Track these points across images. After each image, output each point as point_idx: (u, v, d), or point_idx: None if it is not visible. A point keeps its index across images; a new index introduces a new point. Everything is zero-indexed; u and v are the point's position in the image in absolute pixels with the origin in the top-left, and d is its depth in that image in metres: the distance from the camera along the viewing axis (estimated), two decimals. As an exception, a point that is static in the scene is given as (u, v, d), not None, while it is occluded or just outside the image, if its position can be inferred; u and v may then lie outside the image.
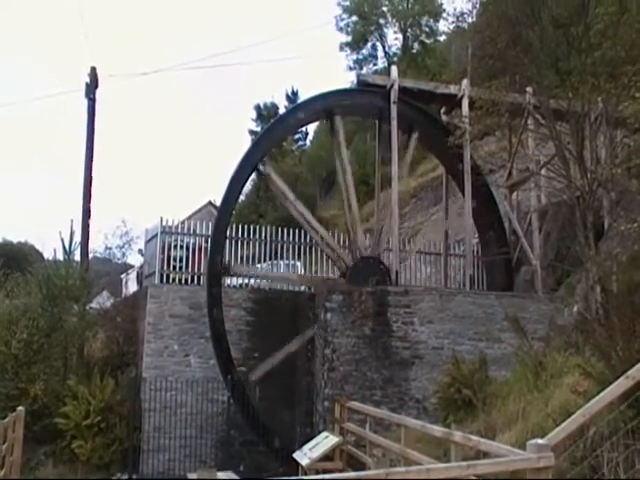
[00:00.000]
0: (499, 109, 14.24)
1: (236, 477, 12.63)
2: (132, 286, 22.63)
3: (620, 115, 12.68)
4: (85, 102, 18.89)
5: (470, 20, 15.43)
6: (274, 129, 17.37)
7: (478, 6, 15.22)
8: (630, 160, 12.52)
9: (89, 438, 14.75)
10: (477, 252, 18.78)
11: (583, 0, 12.35)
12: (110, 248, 24.71)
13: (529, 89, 15.32)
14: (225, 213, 16.33)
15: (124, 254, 25.17)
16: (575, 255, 13.85)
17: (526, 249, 17.11)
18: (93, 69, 19.11)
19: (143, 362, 16.02)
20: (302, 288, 17.89)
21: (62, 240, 18.24)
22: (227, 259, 17.00)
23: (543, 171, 16.07)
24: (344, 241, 17.86)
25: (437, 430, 8.44)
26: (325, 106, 16.88)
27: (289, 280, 17.62)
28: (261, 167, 16.46)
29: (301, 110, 17.63)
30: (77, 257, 18.47)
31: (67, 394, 15.14)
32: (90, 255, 19.53)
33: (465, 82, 16.93)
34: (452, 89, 17.33)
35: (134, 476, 14.89)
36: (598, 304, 10.79)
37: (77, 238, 18.33)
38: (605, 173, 12.49)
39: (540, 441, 5.15)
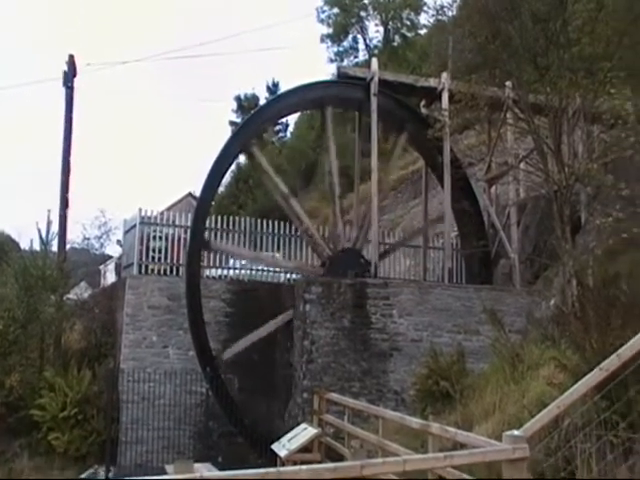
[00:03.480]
0: (478, 103, 14.29)
1: (214, 468, 12.61)
2: (110, 277, 22.51)
3: (597, 110, 12.79)
4: (63, 91, 18.71)
5: (450, 14, 15.49)
6: (254, 120, 17.29)
7: (458, 0, 15.28)
8: (606, 155, 12.65)
9: (66, 430, 14.67)
10: (456, 245, 18.88)
11: (562, -4, 12.43)
12: (88, 239, 24.46)
13: (508, 83, 15.39)
14: (204, 204, 16.26)
15: (102, 245, 24.93)
16: (552, 249, 13.99)
17: (504, 242, 17.24)
18: (71, 57, 18.89)
19: (121, 353, 15.93)
20: (282, 279, 17.93)
21: (39, 230, 18.12)
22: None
23: (522, 165, 16.18)
24: (323, 233, 17.89)
25: (415, 422, 8.51)
26: (306, 97, 16.88)
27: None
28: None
29: (281, 101, 17.61)
30: (54, 248, 18.32)
31: (43, 386, 15.04)
32: (68, 246, 19.39)
33: (445, 75, 16.97)
34: (432, 82, 17.36)
35: (111, 468, 14.82)
36: (574, 297, 10.91)
37: (54, 228, 18.18)
38: (582, 168, 12.61)
39: (516, 432, 5.20)
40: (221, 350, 16.04)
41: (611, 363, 5.45)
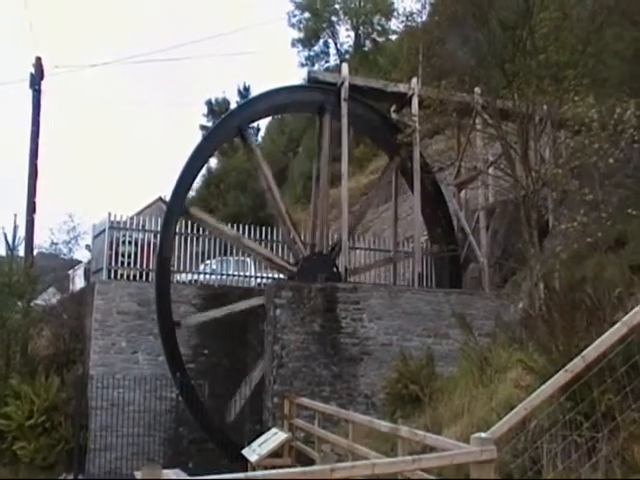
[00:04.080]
0: (447, 108, 14.45)
1: (184, 474, 12.54)
2: (79, 282, 22.22)
3: (563, 117, 13.01)
4: (30, 93, 18.50)
5: (420, 20, 15.65)
6: (225, 124, 17.26)
7: (428, 7, 15.45)
8: (572, 161, 12.87)
9: (32, 439, 14.44)
10: (426, 249, 19.01)
11: (528, 4, 12.63)
12: (56, 243, 24.17)
13: (477, 89, 15.58)
14: (174, 208, 16.17)
15: (71, 250, 24.65)
16: (521, 253, 14.17)
17: (474, 246, 17.43)
18: (38, 59, 18.69)
19: (90, 359, 15.76)
20: (253, 284, 17.91)
21: (5, 235, 17.86)
22: (176, 255, 16.87)
23: (490, 170, 16.39)
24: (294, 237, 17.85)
25: (384, 425, 8.55)
26: (276, 102, 16.94)
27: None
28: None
29: (251, 105, 17.64)
30: (21, 253, 18.06)
31: (9, 394, 14.79)
32: (35, 251, 19.15)
33: (415, 81, 17.11)
34: (402, 88, 17.49)
35: (80, 476, 14.65)
36: (541, 301, 11.07)
37: (21, 233, 17.94)
38: (549, 173, 12.82)
39: (483, 435, 5.27)
40: (190, 356, 15.99)
41: (576, 365, 5.55)
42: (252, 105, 17.72)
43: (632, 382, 5.67)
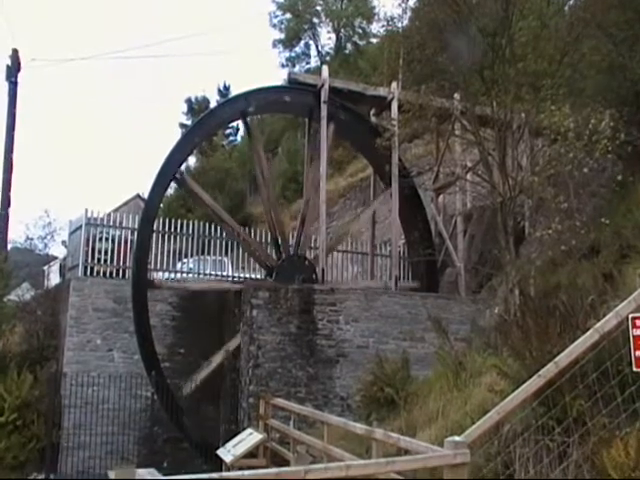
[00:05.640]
0: (427, 113, 14.57)
1: (158, 474, 12.50)
2: (54, 278, 22.00)
3: (540, 125, 13.18)
4: (6, 86, 18.35)
5: (401, 25, 15.74)
6: (205, 123, 17.23)
7: (409, 12, 15.54)
8: (548, 169, 13.05)
9: (3, 437, 14.21)
10: (403, 253, 19.13)
11: (507, 12, 12.79)
12: (31, 239, 24.01)
13: (456, 95, 15.72)
14: (152, 206, 16.09)
15: (46, 245, 24.49)
16: (497, 258, 14.33)
17: (451, 251, 17.57)
18: (15, 51, 18.56)
19: (64, 357, 15.63)
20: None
21: (-22, 230, 17.62)
22: (153, 253, 16.80)
23: (468, 176, 16.54)
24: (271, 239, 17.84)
25: (359, 427, 8.61)
26: (256, 102, 16.96)
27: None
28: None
29: (231, 105, 17.62)
30: (-5, 247, 17.87)
31: (-21, 391, 14.60)
32: (9, 245, 18.96)
33: (394, 85, 17.22)
34: (382, 91, 17.59)
35: (52, 475, 14.52)
36: (516, 306, 11.20)
37: (-5, 227, 17.75)
38: (526, 180, 12.98)
39: (457, 438, 5.36)
40: (166, 354, 15.95)
41: (549, 370, 5.67)
42: (236, 102, 17.63)
43: (603, 388, 5.80)
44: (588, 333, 5.69)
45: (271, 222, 16.80)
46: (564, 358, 5.67)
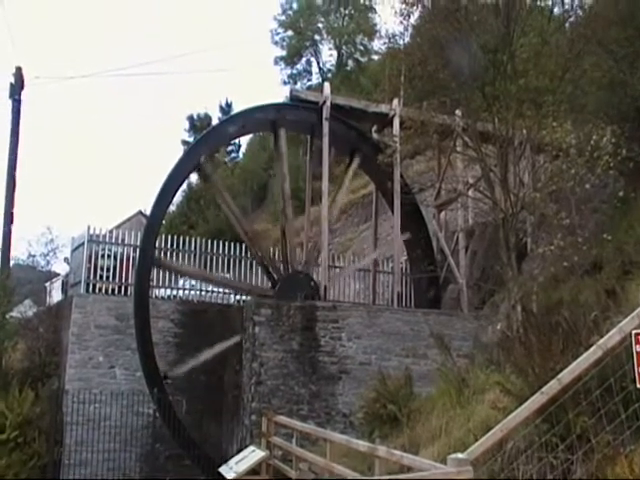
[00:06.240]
0: (428, 130, 14.61)
1: (160, 491, 12.47)
2: (57, 295, 22.01)
3: (541, 142, 13.22)
4: (9, 103, 18.44)
5: (402, 42, 15.83)
6: (207, 139, 17.30)
7: (410, 29, 15.63)
8: (550, 185, 13.06)
9: (4, 454, 14.15)
10: (405, 270, 19.12)
11: (509, 29, 12.86)
12: (34, 255, 23.95)
13: (458, 112, 15.78)
14: (155, 223, 16.13)
15: (49, 262, 24.44)
16: (499, 275, 14.30)
17: (453, 268, 17.56)
18: (18, 69, 18.63)
19: (66, 374, 15.62)
20: (232, 300, 17.89)
21: (-19, 245, 17.62)
22: (156, 269, 16.82)
23: (470, 192, 16.55)
24: (273, 255, 17.85)
25: (362, 445, 8.58)
26: (258, 119, 17.05)
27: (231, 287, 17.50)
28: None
29: (233, 122, 17.70)
30: (-3, 264, 17.85)
31: (-19, 408, 14.56)
32: (12, 262, 18.94)
33: (396, 102, 17.29)
34: (383, 108, 17.66)
35: (53, 492, 14.45)
36: (519, 323, 11.17)
37: (-3, 244, 17.75)
38: (527, 196, 12.99)
39: (460, 455, 5.34)
40: (169, 369, 15.90)
41: (552, 387, 5.64)
42: (234, 122, 17.72)
43: (606, 405, 5.76)
44: (591, 350, 5.67)
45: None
46: (567, 375, 5.65)
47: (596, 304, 9.04)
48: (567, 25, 15.24)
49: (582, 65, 13.39)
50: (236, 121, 17.62)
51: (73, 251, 18.48)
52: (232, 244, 18.14)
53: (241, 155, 45.42)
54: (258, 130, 24.28)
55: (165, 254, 17.42)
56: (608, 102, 14.27)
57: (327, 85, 17.60)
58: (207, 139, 17.27)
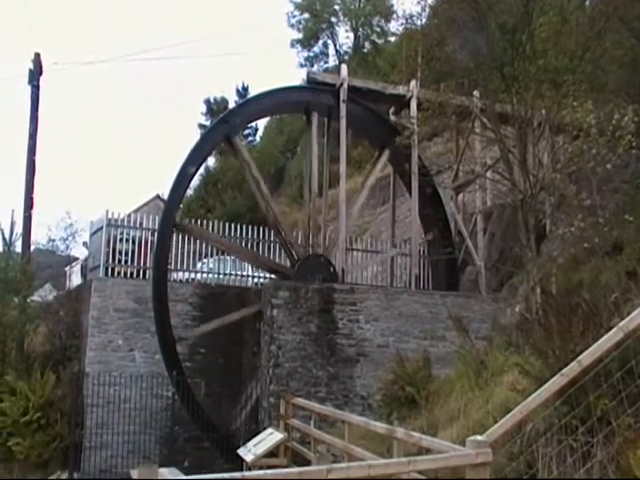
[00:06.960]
0: (446, 111, 14.48)
1: (180, 473, 12.56)
2: (76, 279, 22.20)
3: (561, 122, 13.05)
4: (29, 89, 18.51)
5: (419, 22, 15.67)
6: (224, 121, 17.20)
7: (427, 9, 15.46)
8: (570, 166, 12.91)
9: (27, 435, 14.44)
10: (423, 252, 19.04)
11: (527, 8, 12.66)
12: (54, 240, 24.24)
13: (476, 92, 15.61)
14: (172, 206, 16.16)
15: (68, 246, 24.71)
16: (518, 256, 14.21)
17: (471, 250, 17.46)
18: (37, 55, 18.68)
19: (86, 357, 15.77)
20: (250, 283, 17.95)
21: (2, 231, 17.82)
22: (174, 253, 16.90)
23: (488, 173, 16.41)
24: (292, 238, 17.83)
25: (380, 427, 8.57)
26: (274, 102, 16.98)
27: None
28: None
29: (251, 104, 17.67)
30: (18, 249, 18.05)
31: (4, 390, 14.78)
32: (32, 247, 19.11)
33: (413, 83, 17.13)
34: (401, 90, 17.50)
35: (75, 474, 14.64)
36: (538, 305, 11.10)
37: (18, 229, 17.94)
38: (547, 177, 12.85)
39: (479, 437, 5.30)
40: (187, 354, 16.02)
41: (572, 369, 5.59)
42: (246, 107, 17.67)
43: (628, 387, 5.71)
44: (612, 331, 5.60)
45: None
46: (588, 357, 5.59)
47: (617, 286, 8.93)
48: (587, 2, 15.00)
49: (603, 43, 13.18)
50: (253, 103, 17.56)
51: (92, 235, 18.59)
52: (250, 227, 18.14)
53: (258, 139, 45.32)
54: (274, 113, 24.18)
55: (183, 237, 17.45)
56: (630, 80, 14.05)
57: (344, 67, 17.46)
58: (224, 121, 17.14)
